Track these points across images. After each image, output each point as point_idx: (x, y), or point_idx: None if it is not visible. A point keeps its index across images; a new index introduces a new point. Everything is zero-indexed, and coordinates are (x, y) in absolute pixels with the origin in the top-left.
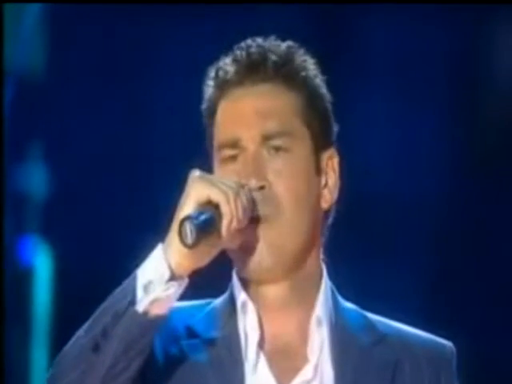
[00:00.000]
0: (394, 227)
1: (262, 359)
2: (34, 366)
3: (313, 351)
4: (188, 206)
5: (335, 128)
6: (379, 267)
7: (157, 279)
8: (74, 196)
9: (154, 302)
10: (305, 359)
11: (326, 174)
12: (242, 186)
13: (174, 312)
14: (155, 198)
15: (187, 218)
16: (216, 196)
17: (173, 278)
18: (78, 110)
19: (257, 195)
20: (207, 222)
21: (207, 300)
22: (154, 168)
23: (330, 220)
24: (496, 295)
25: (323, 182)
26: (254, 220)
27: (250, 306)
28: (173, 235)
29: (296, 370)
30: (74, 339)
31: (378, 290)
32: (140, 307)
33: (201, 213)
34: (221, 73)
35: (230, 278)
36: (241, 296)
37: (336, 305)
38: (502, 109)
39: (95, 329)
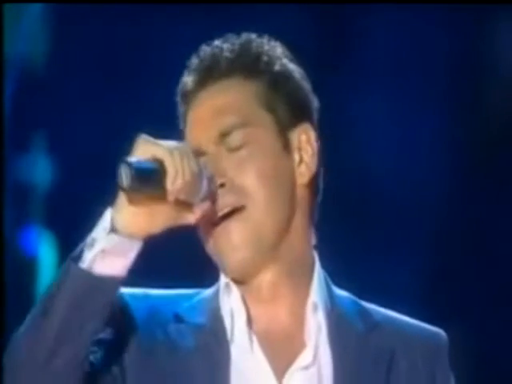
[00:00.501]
0: (393, 223)
1: (255, 342)
2: None
3: (310, 336)
4: None
5: (312, 107)
6: (379, 262)
7: (99, 234)
8: (77, 186)
9: (98, 255)
10: (301, 344)
11: (300, 149)
12: (200, 153)
13: (161, 298)
14: None
15: (126, 161)
16: (160, 153)
17: (117, 232)
18: (81, 101)
19: (221, 192)
20: (147, 170)
21: (196, 290)
22: None
23: (319, 197)
24: (495, 291)
25: (297, 158)
26: (223, 217)
27: (233, 287)
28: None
29: (293, 356)
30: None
31: (377, 285)
32: (83, 263)
33: (141, 162)
34: (181, 86)
35: None
36: (224, 278)
37: (330, 292)
38: (503, 108)
39: (42, 299)
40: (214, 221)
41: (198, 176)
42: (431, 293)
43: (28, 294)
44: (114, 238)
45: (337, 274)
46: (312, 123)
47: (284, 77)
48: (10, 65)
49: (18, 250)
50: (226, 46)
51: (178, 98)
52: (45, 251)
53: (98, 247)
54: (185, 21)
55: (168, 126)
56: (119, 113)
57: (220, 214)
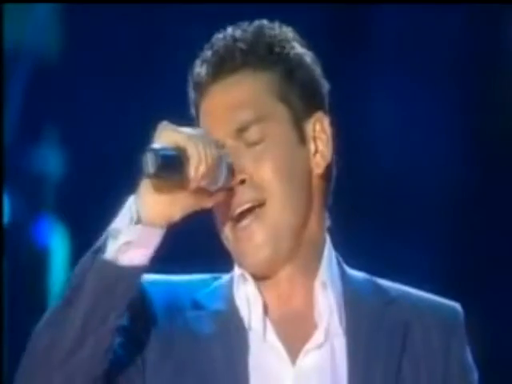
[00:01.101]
0: (409, 208)
1: (269, 328)
2: None
3: (320, 315)
4: None
5: (325, 95)
6: (395, 246)
7: (124, 225)
8: (88, 177)
9: (122, 247)
10: (313, 325)
11: (315, 139)
12: (219, 146)
13: (179, 285)
14: None
15: (151, 149)
16: (183, 140)
17: (141, 223)
18: (93, 92)
19: (241, 188)
20: (171, 157)
21: (215, 275)
22: None
23: (332, 184)
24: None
25: (312, 148)
26: (243, 216)
27: (248, 278)
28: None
29: (306, 337)
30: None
31: (393, 269)
32: (109, 254)
33: (166, 148)
34: (194, 76)
35: None
36: (239, 269)
37: (343, 272)
38: None
39: (66, 290)
40: (233, 221)
41: (218, 163)
42: (449, 276)
43: (40, 284)
44: (139, 229)
45: (352, 257)
46: (325, 110)
47: (297, 65)
48: (22, 57)
49: (30, 240)
50: (238, 34)
51: (190, 87)
52: (57, 241)
53: (122, 239)
54: (198, 17)
55: (178, 120)
56: (130, 105)
57: (239, 210)
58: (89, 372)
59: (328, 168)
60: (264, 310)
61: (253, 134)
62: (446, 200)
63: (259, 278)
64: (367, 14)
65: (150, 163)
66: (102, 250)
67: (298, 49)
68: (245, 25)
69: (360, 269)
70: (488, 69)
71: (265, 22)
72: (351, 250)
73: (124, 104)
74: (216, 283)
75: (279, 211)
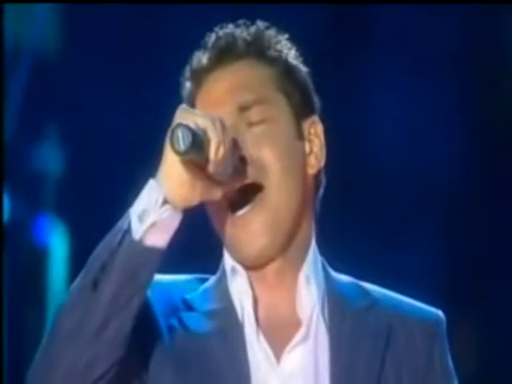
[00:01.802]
0: (403, 210)
1: (258, 327)
2: None
3: (303, 311)
4: None
5: (317, 102)
6: (387, 243)
7: (151, 206)
8: (89, 175)
9: (150, 228)
10: (298, 321)
11: (310, 141)
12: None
13: (169, 284)
14: None
15: (180, 124)
16: (203, 121)
17: (168, 204)
18: (93, 90)
19: (240, 166)
20: (197, 136)
21: (201, 276)
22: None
23: (321, 191)
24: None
25: (307, 149)
26: (241, 203)
27: (240, 269)
28: (164, 156)
29: (290, 333)
30: (72, 286)
31: (384, 272)
32: (136, 235)
33: (193, 128)
34: (194, 63)
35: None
36: (229, 262)
37: (327, 274)
38: None
39: (92, 269)
40: (230, 209)
41: (232, 148)
42: (438, 279)
43: (40, 282)
44: (167, 209)
45: (340, 260)
46: (318, 118)
47: (295, 68)
48: (22, 55)
49: (30, 238)
50: (240, 29)
51: (187, 76)
52: (57, 240)
53: (149, 220)
54: (198, 16)
55: None
56: (130, 104)
57: (238, 186)
58: (110, 356)
59: (319, 173)
60: (254, 305)
61: (254, 114)
62: (444, 201)
63: (250, 269)
64: (367, 13)
65: (181, 139)
66: (128, 230)
67: (294, 57)
68: (245, 25)
69: (354, 271)
70: (488, 68)
71: (263, 26)
72: (346, 251)
73: (124, 102)
74: (205, 285)
75: (278, 194)
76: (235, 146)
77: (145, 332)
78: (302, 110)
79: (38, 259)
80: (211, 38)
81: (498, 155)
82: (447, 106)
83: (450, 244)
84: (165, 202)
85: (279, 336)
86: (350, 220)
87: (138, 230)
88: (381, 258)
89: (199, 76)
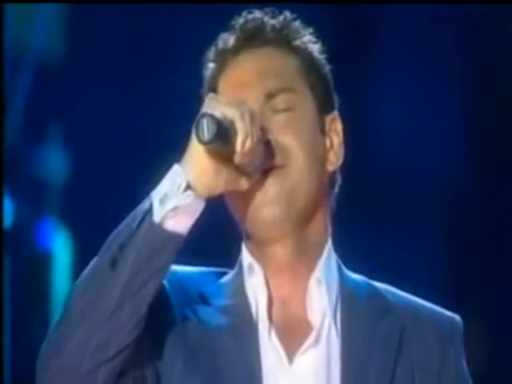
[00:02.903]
0: (411, 210)
1: (271, 326)
2: None
3: (314, 314)
4: None
5: (336, 98)
6: (392, 242)
7: (173, 190)
8: (92, 180)
9: (171, 211)
10: (310, 325)
11: (330, 137)
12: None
13: (187, 277)
14: None
15: (205, 113)
16: (231, 112)
17: (191, 190)
18: (96, 94)
19: (264, 150)
20: (223, 127)
21: (223, 269)
22: (173, 151)
23: (336, 188)
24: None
25: (328, 144)
26: (264, 173)
27: (257, 267)
28: (190, 144)
29: (303, 336)
30: (89, 266)
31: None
32: (157, 217)
33: (220, 118)
34: (220, 44)
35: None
36: (247, 259)
37: (342, 276)
38: None
39: (110, 248)
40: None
41: (260, 141)
42: (448, 281)
43: (43, 287)
44: (189, 195)
45: (353, 260)
46: (338, 115)
47: (320, 62)
48: (26, 59)
49: (33, 243)
50: (267, 15)
51: (211, 56)
52: (59, 245)
53: (170, 204)
54: (202, 19)
55: (185, 121)
56: (134, 108)
57: (261, 169)
58: (122, 338)
59: (335, 172)
60: (268, 304)
61: (280, 101)
62: (448, 201)
63: (264, 248)
64: (372, 15)
65: (205, 129)
66: (149, 212)
67: (319, 52)
68: (272, 12)
69: (360, 269)
70: (495, 70)
71: (289, 16)
72: (352, 250)
73: (128, 106)
74: (222, 280)
75: (298, 174)
76: (262, 132)
77: (160, 319)
78: (324, 105)
79: (40, 264)
80: (239, 21)
81: (501, 157)
82: (452, 106)
83: (454, 244)
84: (188, 187)
85: (292, 337)
86: (356, 218)
87: (158, 213)
88: (389, 254)
89: (225, 57)
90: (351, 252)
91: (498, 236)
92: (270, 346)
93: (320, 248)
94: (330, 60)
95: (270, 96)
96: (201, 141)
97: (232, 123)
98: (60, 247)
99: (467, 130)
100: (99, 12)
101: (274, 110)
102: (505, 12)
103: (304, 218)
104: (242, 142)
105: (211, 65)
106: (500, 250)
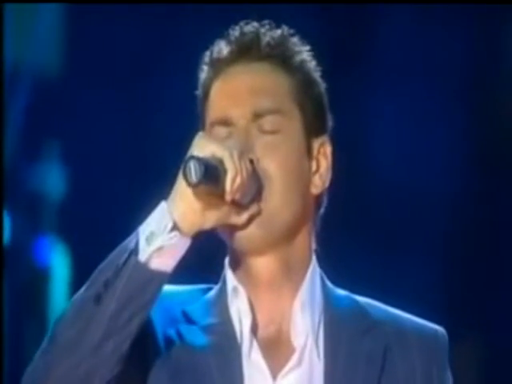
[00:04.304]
0: (404, 224)
1: (255, 346)
2: None
3: (297, 337)
4: None
5: (330, 120)
6: (388, 254)
7: (159, 230)
8: (90, 196)
9: (156, 251)
10: (293, 346)
11: (318, 160)
12: (227, 124)
13: (171, 295)
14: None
15: (193, 156)
16: (220, 151)
17: (177, 230)
18: (93, 110)
19: (255, 180)
20: (211, 168)
21: (207, 285)
22: (172, 167)
23: (322, 210)
24: (507, 291)
25: (314, 167)
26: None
27: (241, 290)
28: (177, 183)
29: (286, 357)
30: (72, 300)
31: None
32: (142, 256)
33: (208, 160)
34: (215, 52)
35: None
36: (232, 281)
37: (326, 292)
38: None
39: (96, 283)
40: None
41: (251, 176)
42: (444, 294)
43: (41, 303)
44: (175, 236)
45: (341, 275)
46: (328, 138)
47: (314, 81)
48: (23, 74)
49: (30, 259)
50: (264, 29)
51: (206, 63)
52: (57, 261)
53: (156, 243)
54: (200, 29)
55: (183, 135)
56: (133, 123)
57: (254, 191)
58: (108, 368)
59: (322, 194)
60: (252, 325)
61: (268, 122)
62: (446, 212)
63: (249, 252)
64: (369, 17)
65: (193, 171)
66: (135, 251)
67: (314, 69)
68: (269, 26)
69: (352, 285)
70: (494, 74)
71: (286, 30)
72: (345, 265)
73: (125, 122)
74: (206, 296)
75: (277, 198)
76: (243, 146)
77: (143, 341)
78: (313, 127)
79: (38, 280)
80: (235, 32)
81: (503, 166)
82: (450, 116)
83: (451, 259)
84: (174, 227)
85: (276, 357)
86: (350, 233)
87: (144, 252)
88: (380, 273)
89: (218, 66)
90: (346, 268)
91: (497, 251)
92: (253, 366)
93: (304, 266)
94: (324, 72)
95: (257, 115)
96: (189, 183)
97: (221, 162)
98: (58, 263)
99: (466, 141)
100: (96, 28)
101: (260, 130)
102: (505, 13)
103: (286, 238)
104: (232, 180)
105: (205, 69)
106: (499, 265)
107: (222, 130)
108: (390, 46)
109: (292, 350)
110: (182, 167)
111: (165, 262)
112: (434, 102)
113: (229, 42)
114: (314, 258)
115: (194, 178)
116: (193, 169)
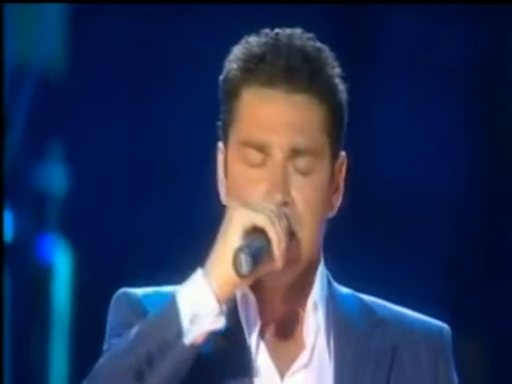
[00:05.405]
0: (409, 224)
1: (262, 346)
2: (53, 364)
3: (308, 335)
4: (234, 233)
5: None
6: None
7: (205, 313)
8: (93, 194)
9: (201, 334)
10: (302, 345)
11: (337, 180)
12: (279, 209)
13: (169, 296)
14: (174, 197)
15: (241, 248)
16: (261, 221)
17: (222, 311)
18: (98, 108)
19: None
20: (260, 250)
21: None
22: (173, 166)
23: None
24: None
25: (334, 188)
26: None
27: (251, 298)
28: (221, 264)
29: (294, 356)
30: (107, 357)
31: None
32: (187, 340)
33: (252, 241)
34: (253, 54)
35: None
36: (241, 289)
37: (331, 291)
38: None
39: (137, 353)
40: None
41: (290, 234)
42: (444, 294)
43: (43, 302)
44: (222, 319)
45: (346, 274)
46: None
47: (343, 104)
48: (26, 73)
49: (33, 258)
50: (307, 49)
51: (240, 60)
52: (60, 259)
53: (204, 327)
54: (204, 31)
55: (186, 136)
56: (136, 122)
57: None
58: None
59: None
60: (261, 327)
61: (303, 163)
62: (450, 211)
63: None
64: (373, 17)
65: (243, 264)
66: (180, 333)
67: (341, 82)
68: (302, 35)
69: (358, 283)
70: (501, 77)
71: (314, 45)
72: (351, 264)
73: (129, 121)
74: None
75: (307, 242)
76: (280, 181)
77: None
78: (337, 149)
79: (41, 278)
80: (280, 44)
81: (507, 167)
82: (454, 119)
83: (455, 259)
84: (221, 312)
85: (284, 356)
86: (354, 232)
87: (189, 334)
88: (384, 271)
89: (256, 75)
90: (351, 268)
91: (501, 249)
92: (262, 365)
93: (314, 269)
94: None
95: (294, 152)
96: (241, 275)
97: (263, 231)
98: (60, 261)
99: (469, 144)
100: (100, 28)
101: (295, 168)
102: (508, 13)
103: (306, 267)
104: (277, 247)
105: (238, 66)
106: (504, 263)
107: (255, 155)
108: (392, 46)
109: (301, 350)
110: (232, 259)
111: (205, 337)
112: (437, 102)
113: (275, 56)
114: (322, 257)
115: (245, 270)
116: (243, 262)
